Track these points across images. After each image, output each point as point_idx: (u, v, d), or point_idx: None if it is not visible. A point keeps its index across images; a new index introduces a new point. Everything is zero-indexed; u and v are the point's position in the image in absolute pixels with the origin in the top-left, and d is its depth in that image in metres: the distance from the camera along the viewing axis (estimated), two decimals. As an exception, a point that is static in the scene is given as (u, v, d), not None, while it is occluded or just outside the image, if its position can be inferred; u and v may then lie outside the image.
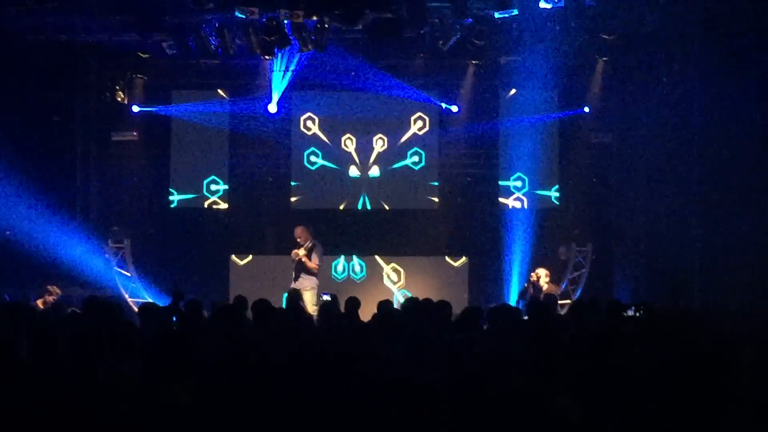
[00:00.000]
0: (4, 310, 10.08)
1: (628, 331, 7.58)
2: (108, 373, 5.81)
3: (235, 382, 6.01)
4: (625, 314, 9.87)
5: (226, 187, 18.60)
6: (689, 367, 5.28)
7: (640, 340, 7.18)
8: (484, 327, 9.20)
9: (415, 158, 18.54)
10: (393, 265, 18.21)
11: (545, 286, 15.37)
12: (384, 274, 18.12)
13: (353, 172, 18.52)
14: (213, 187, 18.59)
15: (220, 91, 18.63)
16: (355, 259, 18.36)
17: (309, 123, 18.70)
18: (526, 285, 15.90)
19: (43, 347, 6.71)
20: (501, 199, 18.33)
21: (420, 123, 18.59)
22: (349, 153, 18.59)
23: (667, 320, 8.82)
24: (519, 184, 18.25)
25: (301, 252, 15.91)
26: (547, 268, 15.99)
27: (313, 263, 15.93)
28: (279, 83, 17.51)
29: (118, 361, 5.92)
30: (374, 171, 18.51)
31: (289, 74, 17.22)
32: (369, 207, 18.52)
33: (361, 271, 18.30)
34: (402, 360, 7.10)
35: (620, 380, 5.70)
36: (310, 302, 15.22)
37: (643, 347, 6.51)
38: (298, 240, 16.09)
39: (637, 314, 10.08)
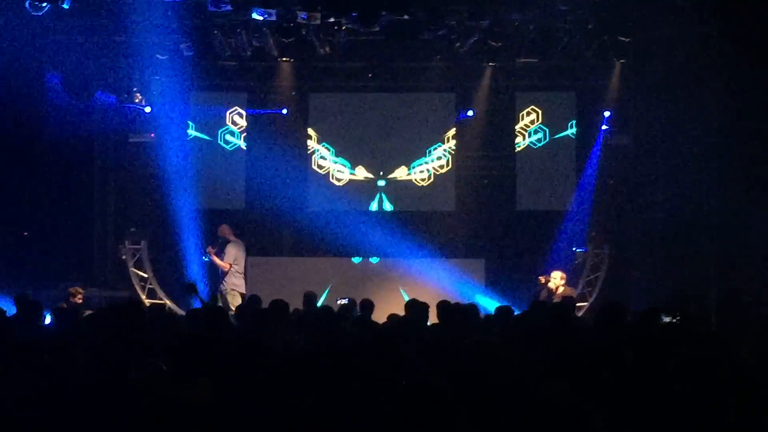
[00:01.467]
0: (32, 309, 10.17)
1: (665, 339, 7.47)
2: (135, 374, 5.82)
3: (254, 382, 6.03)
4: (661, 321, 9.74)
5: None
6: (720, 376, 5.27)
7: (678, 348, 7.08)
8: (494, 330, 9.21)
9: (440, 161, 18.51)
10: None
11: (560, 289, 15.26)
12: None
13: (370, 173, 18.50)
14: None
15: (237, 92, 18.63)
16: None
17: (326, 124, 18.70)
18: (539, 288, 15.75)
19: (69, 348, 6.72)
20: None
21: (438, 124, 18.56)
22: (367, 154, 18.57)
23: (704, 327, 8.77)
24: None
25: (211, 250, 16.03)
26: (563, 271, 15.88)
27: (223, 262, 16.01)
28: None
29: (144, 363, 5.92)
30: (391, 173, 18.49)
31: None
32: (385, 209, 18.48)
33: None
34: (421, 363, 7.10)
35: (655, 388, 5.65)
36: (232, 304, 15.26)
37: (679, 355, 6.44)
38: (220, 238, 16.27)
39: (674, 320, 9.94)
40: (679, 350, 6.89)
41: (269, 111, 18.24)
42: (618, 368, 5.90)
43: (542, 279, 15.42)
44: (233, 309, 14.50)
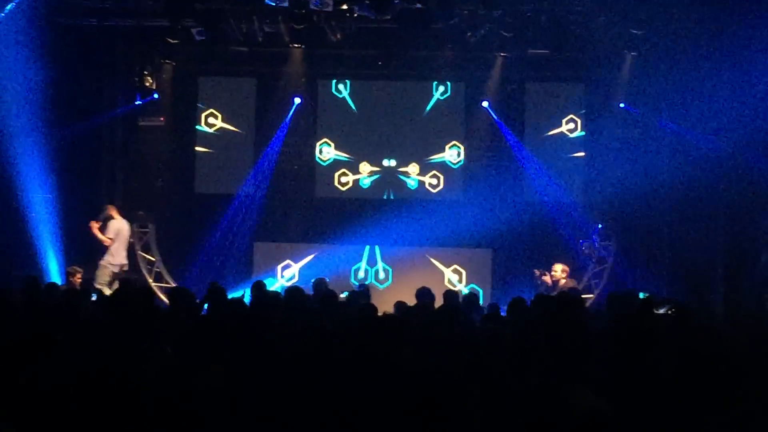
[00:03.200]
0: (35, 290, 10.18)
1: (659, 330, 7.51)
2: (142, 356, 5.84)
3: (264, 368, 6.04)
4: (656, 311, 9.80)
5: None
6: (716, 369, 5.28)
7: (671, 339, 7.12)
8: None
9: (450, 151, 18.51)
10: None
11: (562, 281, 15.23)
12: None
13: (380, 162, 18.51)
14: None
15: (247, 77, 18.63)
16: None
17: (336, 111, 18.70)
18: (538, 282, 15.64)
19: (76, 329, 6.74)
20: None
21: (448, 113, 18.56)
22: (378, 142, 18.58)
23: (698, 320, 8.78)
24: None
25: (94, 224, 16.26)
26: (565, 263, 15.82)
27: (104, 237, 16.27)
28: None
29: (152, 345, 5.95)
30: (400, 161, 18.49)
31: None
32: (393, 197, 18.48)
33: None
34: (424, 353, 7.11)
35: (649, 379, 5.68)
36: (101, 276, 15.76)
37: (673, 347, 6.47)
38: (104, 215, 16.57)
39: (669, 312, 9.99)
40: (670, 342, 6.92)
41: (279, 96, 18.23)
42: (618, 358, 5.95)
43: (537, 272, 15.37)
44: (99, 284, 15.00)
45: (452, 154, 18.46)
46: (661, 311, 10.25)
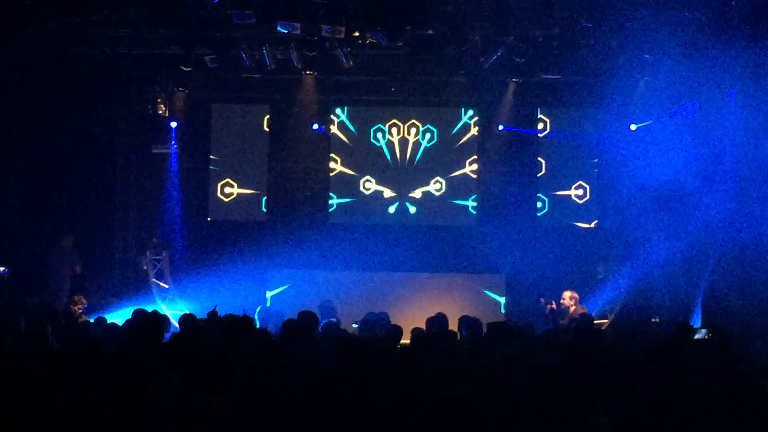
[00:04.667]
0: (45, 316, 10.19)
1: (698, 355, 7.39)
2: (155, 385, 5.81)
3: (275, 395, 6.02)
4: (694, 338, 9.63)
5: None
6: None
7: (710, 364, 7.01)
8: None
9: (462, 175, 18.55)
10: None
11: (572, 308, 15.05)
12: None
13: (394, 187, 18.54)
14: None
15: (260, 104, 18.71)
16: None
17: (348, 135, 18.75)
18: (547, 311, 15.40)
19: (87, 357, 6.72)
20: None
21: (460, 134, 18.61)
22: (391, 166, 18.61)
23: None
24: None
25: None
26: (573, 291, 15.58)
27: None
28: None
29: (164, 374, 5.92)
30: (412, 187, 18.52)
31: None
32: (407, 223, 18.48)
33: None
34: (445, 377, 7.07)
35: (689, 405, 5.61)
36: None
37: (711, 372, 6.39)
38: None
39: (707, 338, 9.81)
40: (709, 369, 6.83)
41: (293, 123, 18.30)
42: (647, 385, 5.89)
43: (542, 300, 15.16)
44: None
45: (464, 179, 18.48)
46: (698, 336, 10.05)
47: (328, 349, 8.20)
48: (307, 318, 9.68)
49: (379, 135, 18.73)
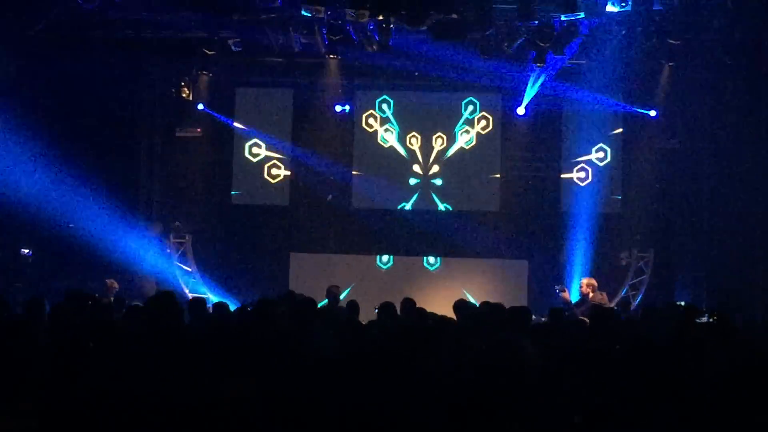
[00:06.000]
0: (71, 300, 10.22)
1: (701, 338, 7.39)
2: (176, 367, 5.84)
3: (291, 377, 6.02)
4: (698, 320, 9.65)
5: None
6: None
7: (713, 348, 6.99)
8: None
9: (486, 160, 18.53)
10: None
11: (590, 295, 14.90)
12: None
13: (414, 171, 18.51)
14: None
15: (284, 88, 18.70)
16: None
17: (372, 121, 18.72)
18: (563, 302, 15.19)
19: (108, 339, 6.74)
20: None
21: (483, 123, 18.54)
22: (412, 152, 18.57)
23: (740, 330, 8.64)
24: (582, 175, 18.17)
25: None
26: (591, 278, 15.36)
27: None
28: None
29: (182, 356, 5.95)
30: (435, 171, 18.49)
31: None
32: (428, 208, 18.47)
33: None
34: (454, 363, 7.05)
35: (695, 388, 5.57)
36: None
37: (715, 356, 6.36)
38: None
39: (711, 320, 9.83)
40: (714, 350, 6.81)
41: (316, 107, 18.28)
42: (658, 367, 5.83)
43: (558, 288, 15.01)
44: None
45: (488, 163, 18.45)
46: (703, 320, 10.08)
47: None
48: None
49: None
